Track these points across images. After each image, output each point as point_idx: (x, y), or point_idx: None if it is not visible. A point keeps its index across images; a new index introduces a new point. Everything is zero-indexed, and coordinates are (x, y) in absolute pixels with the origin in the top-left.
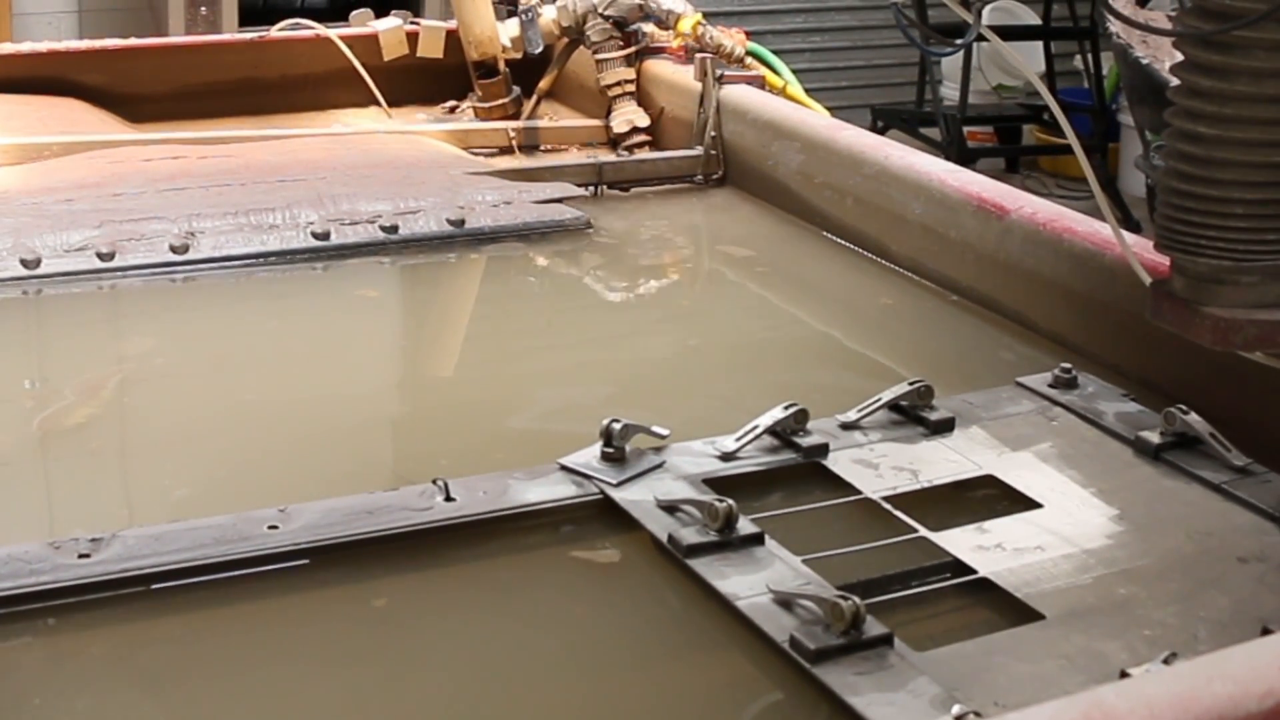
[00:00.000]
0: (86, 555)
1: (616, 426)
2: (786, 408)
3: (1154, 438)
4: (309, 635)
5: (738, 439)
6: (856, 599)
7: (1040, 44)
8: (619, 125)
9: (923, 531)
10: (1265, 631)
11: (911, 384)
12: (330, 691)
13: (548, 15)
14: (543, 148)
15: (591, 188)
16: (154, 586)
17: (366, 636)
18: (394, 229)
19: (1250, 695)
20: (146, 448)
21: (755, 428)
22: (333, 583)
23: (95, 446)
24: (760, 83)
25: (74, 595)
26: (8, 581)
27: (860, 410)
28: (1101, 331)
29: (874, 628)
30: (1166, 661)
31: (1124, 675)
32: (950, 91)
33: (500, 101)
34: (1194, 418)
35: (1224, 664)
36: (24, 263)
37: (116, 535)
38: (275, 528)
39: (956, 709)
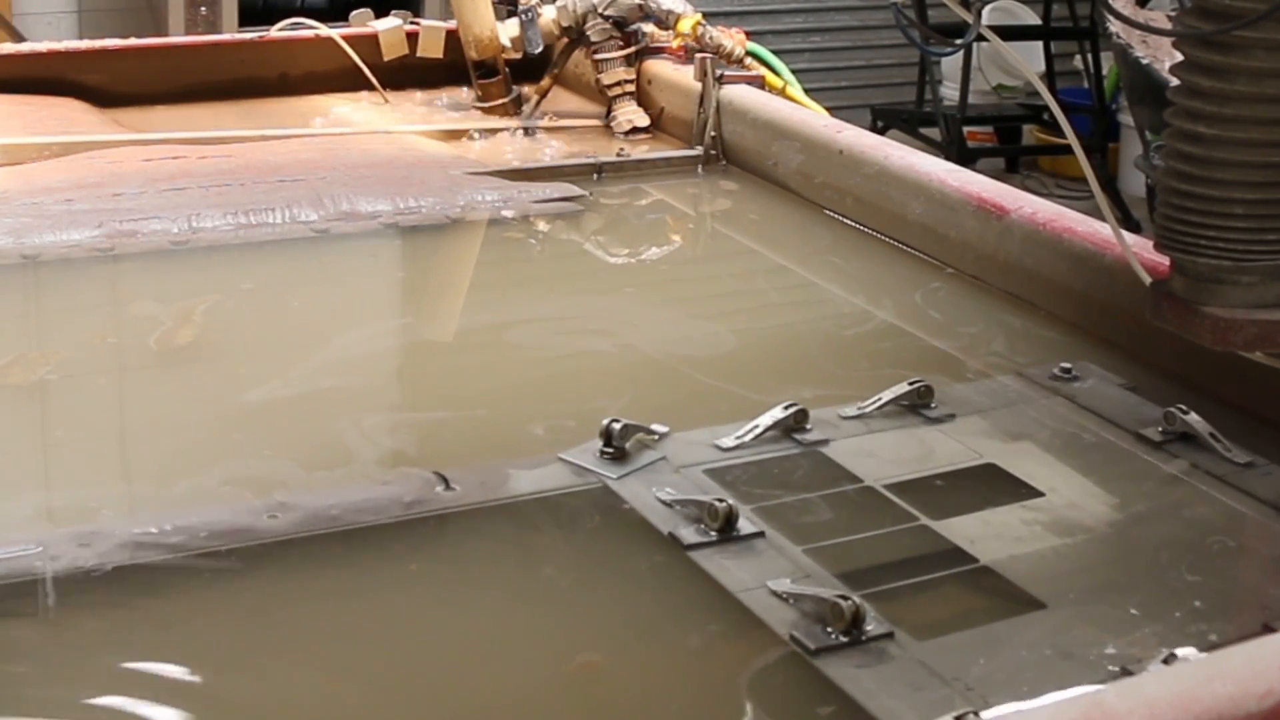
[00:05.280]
0: (87, 545)
1: (616, 426)
2: (786, 408)
3: (1154, 435)
4: (308, 624)
5: (737, 438)
6: (856, 599)
7: (1040, 44)
8: (619, 125)
9: (923, 520)
10: (1266, 629)
11: (911, 384)
12: (329, 680)
13: (548, 15)
14: (548, 123)
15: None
16: (153, 577)
17: (366, 625)
18: (394, 229)
19: (1250, 695)
20: (146, 438)
21: (755, 427)
22: (332, 572)
23: (94, 436)
24: (760, 83)
25: (74, 584)
26: (7, 573)
27: (860, 409)
28: (1101, 331)
29: (874, 626)
30: (1166, 661)
31: (1124, 674)
32: (950, 91)
33: (500, 101)
34: (1194, 418)
35: (1224, 664)
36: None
37: (115, 528)
38: (275, 517)
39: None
